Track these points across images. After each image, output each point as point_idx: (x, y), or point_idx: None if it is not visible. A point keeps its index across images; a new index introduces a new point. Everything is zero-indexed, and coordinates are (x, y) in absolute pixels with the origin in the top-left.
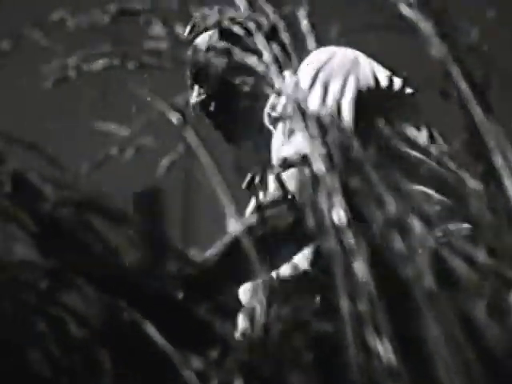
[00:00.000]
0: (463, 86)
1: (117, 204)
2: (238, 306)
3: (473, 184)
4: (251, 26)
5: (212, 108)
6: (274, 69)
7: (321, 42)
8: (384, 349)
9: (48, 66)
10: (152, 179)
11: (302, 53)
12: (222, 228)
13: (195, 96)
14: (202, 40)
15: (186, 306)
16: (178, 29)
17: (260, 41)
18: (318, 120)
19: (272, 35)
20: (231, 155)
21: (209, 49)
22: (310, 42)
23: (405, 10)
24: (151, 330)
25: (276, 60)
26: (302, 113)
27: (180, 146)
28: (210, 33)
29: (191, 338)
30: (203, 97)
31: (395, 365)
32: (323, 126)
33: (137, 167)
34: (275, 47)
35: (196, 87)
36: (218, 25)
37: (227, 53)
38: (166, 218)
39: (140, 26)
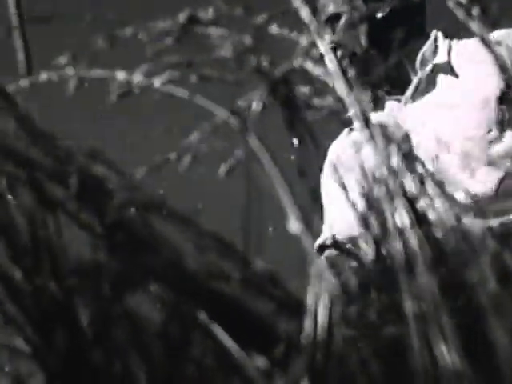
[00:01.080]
0: None
1: (179, 207)
2: (302, 305)
3: None
4: None
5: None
6: None
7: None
8: (449, 351)
9: (112, 84)
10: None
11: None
12: (284, 232)
13: (325, 44)
14: None
15: (249, 305)
16: (244, 37)
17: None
18: (383, 129)
19: None
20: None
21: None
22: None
23: (465, 19)
24: (218, 330)
25: None
26: (366, 121)
27: (239, 151)
28: None
29: (255, 338)
30: (332, 46)
31: (461, 368)
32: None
33: (198, 172)
34: None
35: (327, 36)
36: None
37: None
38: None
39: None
